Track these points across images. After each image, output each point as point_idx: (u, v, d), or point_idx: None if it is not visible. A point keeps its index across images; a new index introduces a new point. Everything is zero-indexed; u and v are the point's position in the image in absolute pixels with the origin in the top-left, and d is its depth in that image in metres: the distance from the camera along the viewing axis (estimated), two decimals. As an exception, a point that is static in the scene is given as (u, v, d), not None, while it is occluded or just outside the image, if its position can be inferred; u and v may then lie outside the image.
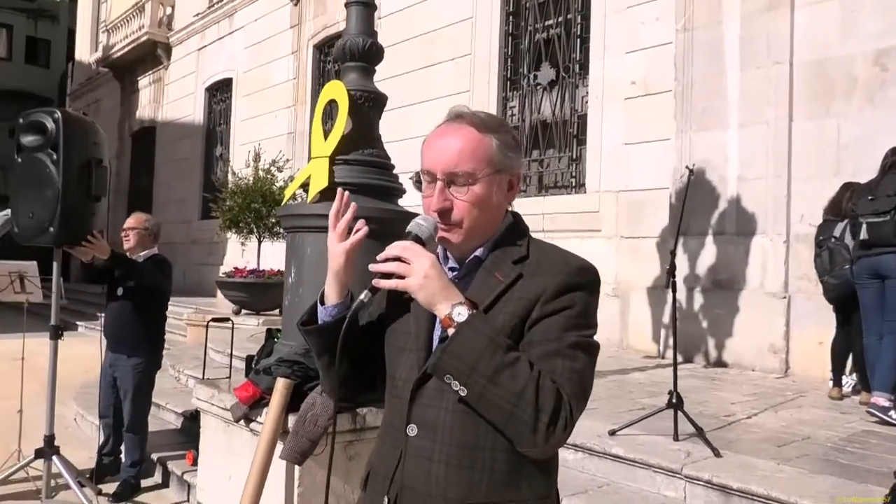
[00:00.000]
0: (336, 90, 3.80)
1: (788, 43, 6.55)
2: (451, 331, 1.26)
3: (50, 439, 4.09)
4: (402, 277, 1.28)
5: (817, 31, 6.42)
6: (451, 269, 1.44)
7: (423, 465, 1.32)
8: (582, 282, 1.32)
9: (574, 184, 8.69)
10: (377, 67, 3.89)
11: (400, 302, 1.41)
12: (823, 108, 6.33)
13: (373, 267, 1.31)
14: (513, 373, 1.21)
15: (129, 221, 4.78)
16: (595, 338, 1.35)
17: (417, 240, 1.34)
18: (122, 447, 4.74)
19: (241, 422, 3.47)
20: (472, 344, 1.23)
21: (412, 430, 1.34)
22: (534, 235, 1.43)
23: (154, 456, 5.02)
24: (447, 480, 1.29)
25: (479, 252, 1.40)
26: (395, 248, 1.31)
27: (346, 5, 4.06)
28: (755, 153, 6.73)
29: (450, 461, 1.30)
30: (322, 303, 1.44)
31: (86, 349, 7.38)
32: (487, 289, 1.34)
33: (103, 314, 4.85)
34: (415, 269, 1.27)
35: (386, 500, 1.36)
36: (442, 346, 1.27)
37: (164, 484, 4.88)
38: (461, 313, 1.25)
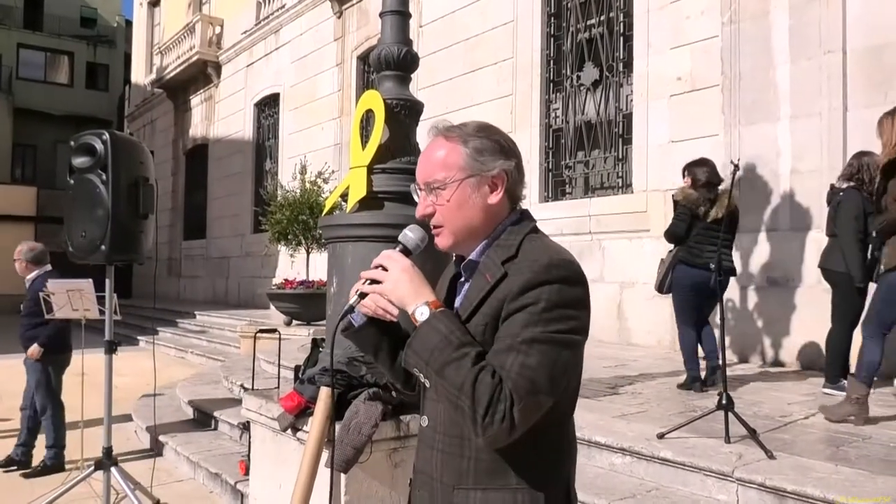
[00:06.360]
0: (372, 100, 3.83)
1: (841, 30, 6.34)
2: None
3: (108, 451, 4.21)
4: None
5: (872, 17, 6.19)
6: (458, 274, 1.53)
7: (428, 453, 1.47)
8: (549, 278, 1.32)
9: (621, 184, 8.56)
10: (420, 76, 3.90)
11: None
12: (881, 95, 6.09)
13: (363, 273, 1.45)
14: (458, 367, 1.28)
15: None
16: (573, 334, 1.32)
17: (405, 250, 1.46)
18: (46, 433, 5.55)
19: (289, 431, 3.52)
20: (427, 340, 1.33)
21: (424, 421, 1.49)
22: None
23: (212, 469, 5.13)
24: (442, 467, 1.43)
25: (472, 255, 1.47)
26: (380, 258, 1.44)
27: (381, 15, 4.12)
28: (808, 146, 6.52)
29: (444, 449, 1.43)
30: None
31: (147, 363, 7.59)
32: (477, 290, 1.41)
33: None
34: (389, 276, 1.40)
35: (409, 481, 1.56)
36: (407, 342, 1.38)
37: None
38: (423, 312, 1.35)
